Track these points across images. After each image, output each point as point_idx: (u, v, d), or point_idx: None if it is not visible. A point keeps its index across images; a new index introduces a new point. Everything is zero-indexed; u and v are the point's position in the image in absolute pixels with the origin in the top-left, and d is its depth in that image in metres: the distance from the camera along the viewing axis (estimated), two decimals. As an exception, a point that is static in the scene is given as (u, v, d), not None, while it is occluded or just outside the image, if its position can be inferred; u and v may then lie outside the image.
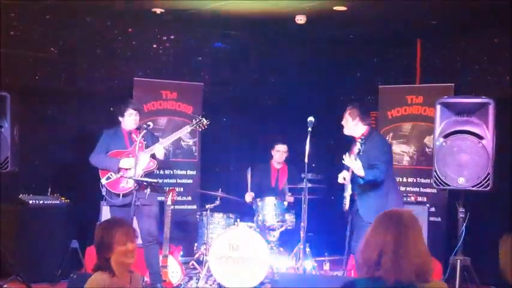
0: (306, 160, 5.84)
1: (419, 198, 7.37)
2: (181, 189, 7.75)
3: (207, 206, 6.70)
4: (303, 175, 6.08)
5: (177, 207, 7.45)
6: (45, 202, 6.72)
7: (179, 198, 7.49)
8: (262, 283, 6.37)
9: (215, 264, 6.32)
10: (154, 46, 7.81)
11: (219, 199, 6.75)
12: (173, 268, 6.39)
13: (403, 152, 7.69)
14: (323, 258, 7.06)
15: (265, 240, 6.40)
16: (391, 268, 2.63)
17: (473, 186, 5.58)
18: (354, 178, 5.58)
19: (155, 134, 6.49)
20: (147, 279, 6.07)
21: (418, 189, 7.49)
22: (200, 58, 8.14)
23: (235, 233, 6.40)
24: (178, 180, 7.83)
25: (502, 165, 6.17)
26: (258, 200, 6.88)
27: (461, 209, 5.78)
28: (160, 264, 6.10)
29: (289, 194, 7.15)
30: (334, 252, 7.34)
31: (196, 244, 6.88)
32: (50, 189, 6.91)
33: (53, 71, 7.36)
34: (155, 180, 5.93)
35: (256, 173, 7.57)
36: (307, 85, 8.80)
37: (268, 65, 8.55)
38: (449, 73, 7.59)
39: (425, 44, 7.97)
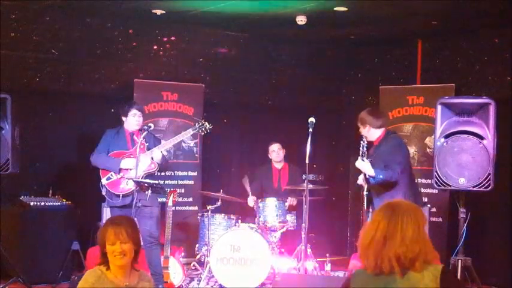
0: (307, 161, 5.84)
1: (420, 199, 7.36)
2: (183, 190, 7.75)
3: (208, 207, 6.70)
4: (304, 176, 6.08)
5: (178, 208, 7.44)
6: (46, 204, 6.71)
7: (180, 199, 7.48)
8: (263, 284, 6.37)
9: (216, 265, 6.32)
10: (155, 47, 7.80)
11: (220, 200, 6.75)
12: (174, 269, 6.39)
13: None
14: (324, 259, 7.06)
15: (267, 241, 6.40)
16: (372, 256, 2.65)
17: (474, 187, 5.58)
18: (368, 179, 5.62)
19: (156, 135, 6.50)
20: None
21: (418, 190, 7.47)
22: (201, 59, 8.13)
23: (236, 234, 6.40)
24: (180, 182, 7.82)
25: (503, 165, 6.18)
26: (259, 201, 6.88)
27: (462, 209, 5.78)
28: (162, 266, 6.10)
29: (293, 199, 7.11)
30: (336, 252, 7.35)
31: (197, 245, 6.88)
32: (51, 191, 6.91)
33: (53, 72, 7.36)
34: (156, 182, 5.94)
35: (258, 175, 7.58)
36: (307, 86, 8.81)
37: (269, 65, 8.55)
38: (450, 73, 7.59)
39: (426, 45, 7.97)
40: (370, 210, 5.92)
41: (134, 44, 7.66)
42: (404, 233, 2.64)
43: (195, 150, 7.90)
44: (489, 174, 5.50)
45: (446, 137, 5.71)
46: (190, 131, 6.20)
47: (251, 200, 7.21)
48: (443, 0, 6.14)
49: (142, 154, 5.87)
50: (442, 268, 2.66)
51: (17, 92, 6.51)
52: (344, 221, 9.05)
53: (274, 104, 8.77)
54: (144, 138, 5.93)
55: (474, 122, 5.63)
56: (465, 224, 5.73)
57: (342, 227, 9.04)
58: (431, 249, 2.69)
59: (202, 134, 6.30)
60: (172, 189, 6.65)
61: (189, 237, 7.55)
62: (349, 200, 9.06)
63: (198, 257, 6.84)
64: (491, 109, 5.55)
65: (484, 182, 5.52)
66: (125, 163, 5.93)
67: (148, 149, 5.99)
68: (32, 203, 6.62)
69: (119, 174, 5.92)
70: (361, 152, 5.50)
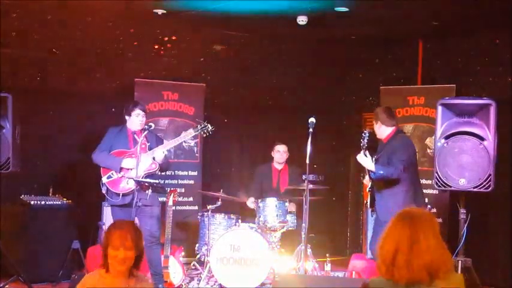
0: (308, 161, 5.84)
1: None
2: (183, 189, 7.75)
3: (208, 207, 6.70)
4: (304, 176, 6.08)
5: (178, 208, 7.45)
6: (47, 203, 6.73)
7: (180, 199, 7.48)
8: (263, 284, 6.37)
9: (216, 265, 6.32)
10: (156, 47, 7.81)
11: (220, 200, 6.75)
12: (174, 269, 6.40)
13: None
14: (324, 259, 7.06)
15: (267, 241, 6.40)
16: (404, 267, 2.64)
17: (474, 187, 5.57)
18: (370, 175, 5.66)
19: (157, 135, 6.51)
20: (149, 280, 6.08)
21: (421, 190, 7.46)
22: (202, 59, 8.14)
23: (236, 234, 6.40)
24: (180, 181, 7.83)
25: (503, 166, 6.18)
26: (259, 201, 6.88)
27: (462, 210, 5.78)
28: (162, 265, 6.11)
29: (293, 203, 7.10)
30: (336, 253, 7.35)
31: (197, 245, 6.88)
32: (51, 190, 6.92)
33: (54, 71, 7.37)
34: (156, 181, 5.94)
35: (257, 175, 7.58)
36: (308, 86, 8.81)
37: (270, 65, 8.55)
38: (451, 74, 7.58)
39: (426, 45, 7.97)
40: (370, 208, 5.96)
41: (135, 43, 7.66)
42: (429, 242, 2.64)
43: (195, 150, 7.91)
44: (489, 175, 5.50)
45: (447, 137, 5.70)
46: (192, 133, 6.21)
47: (250, 202, 7.22)
48: (444, 0, 6.14)
49: (143, 154, 5.87)
50: (463, 277, 2.67)
51: (18, 90, 6.51)
52: (344, 221, 9.05)
53: (274, 104, 8.78)
54: (145, 138, 5.93)
55: (475, 122, 5.63)
56: (465, 225, 5.73)
57: (342, 227, 9.05)
58: (450, 257, 2.70)
59: (204, 135, 6.30)
60: (172, 188, 6.66)
61: (189, 236, 7.56)
62: (349, 200, 9.07)
63: (198, 256, 6.84)
64: (492, 110, 5.55)
65: (485, 183, 5.52)
66: (126, 162, 5.93)
67: (150, 148, 5.99)
68: (32, 202, 6.63)
69: (119, 173, 5.92)
70: (362, 144, 5.54)
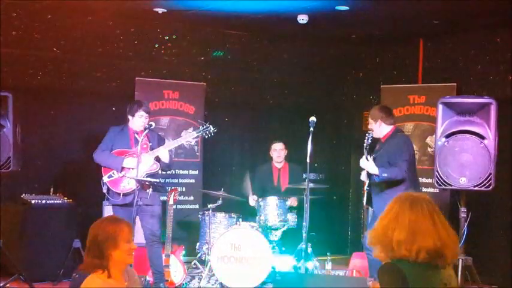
0: (308, 160, 5.84)
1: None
2: (184, 188, 7.75)
3: (209, 206, 6.70)
4: (304, 175, 6.08)
5: (179, 206, 7.45)
6: (48, 202, 6.73)
7: (181, 197, 7.48)
8: (264, 283, 6.37)
9: (217, 263, 6.32)
10: (156, 46, 7.80)
11: (221, 199, 6.76)
12: (175, 267, 6.40)
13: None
14: (325, 258, 7.06)
15: (267, 240, 6.40)
16: (411, 248, 2.74)
17: (475, 186, 5.57)
18: (372, 176, 5.64)
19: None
20: (150, 278, 6.09)
21: (419, 188, 7.47)
22: (202, 58, 8.13)
23: (237, 233, 6.40)
24: (181, 180, 7.83)
25: (504, 165, 6.18)
26: (260, 199, 6.88)
27: (462, 209, 5.77)
28: (163, 264, 6.11)
29: (295, 197, 7.10)
30: (336, 251, 7.35)
31: (198, 244, 6.88)
32: (52, 189, 6.93)
33: (54, 70, 7.37)
34: (157, 180, 5.94)
35: (258, 174, 7.58)
36: (309, 85, 8.81)
37: (270, 64, 8.55)
38: (452, 73, 7.58)
39: (427, 44, 7.97)
40: (369, 208, 5.95)
41: (136, 42, 7.66)
42: (437, 225, 2.72)
43: (196, 149, 7.91)
44: (490, 173, 5.50)
45: (447, 136, 5.70)
46: (194, 134, 6.22)
47: (252, 200, 7.21)
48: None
49: (144, 154, 5.87)
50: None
51: (19, 90, 6.52)
52: (345, 220, 9.06)
53: (275, 103, 8.78)
54: (147, 137, 5.93)
55: (475, 121, 5.62)
56: (466, 224, 5.73)
57: (342, 226, 9.05)
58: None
59: (206, 137, 6.29)
60: (173, 187, 6.66)
61: (189, 235, 7.56)
62: (349, 199, 9.07)
63: (198, 255, 6.84)
64: (493, 109, 5.54)
65: (485, 182, 5.52)
66: (127, 162, 5.93)
67: (152, 148, 5.99)
68: (33, 201, 6.64)
69: (120, 172, 5.92)
70: (365, 145, 5.53)
